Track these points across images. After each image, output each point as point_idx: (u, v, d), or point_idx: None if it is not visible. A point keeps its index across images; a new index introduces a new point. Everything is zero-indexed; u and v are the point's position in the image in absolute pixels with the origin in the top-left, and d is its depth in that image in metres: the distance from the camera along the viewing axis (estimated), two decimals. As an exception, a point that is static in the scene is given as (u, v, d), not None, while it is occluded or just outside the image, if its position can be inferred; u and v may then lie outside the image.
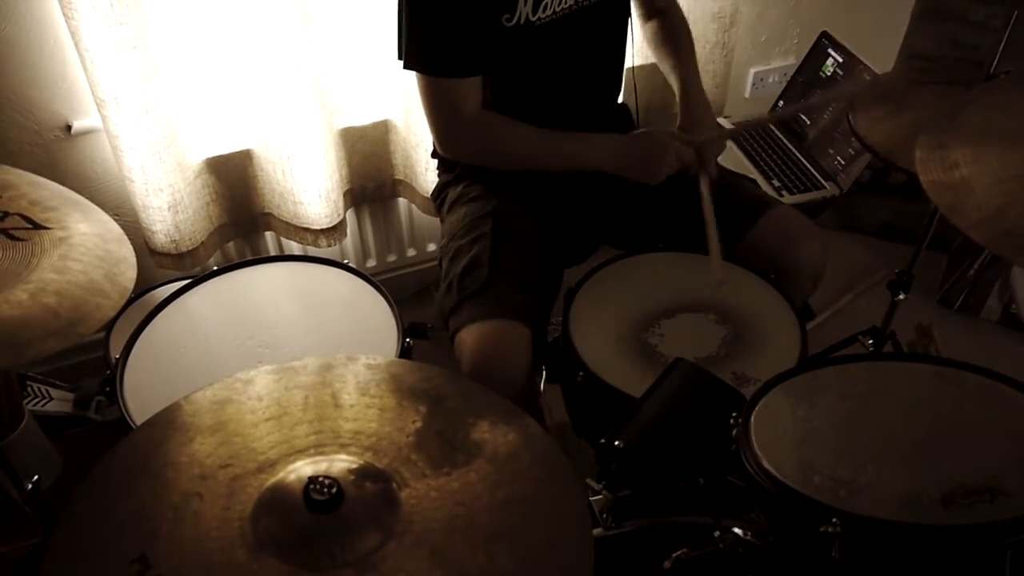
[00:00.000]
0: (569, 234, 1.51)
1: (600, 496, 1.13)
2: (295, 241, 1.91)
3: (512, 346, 1.29)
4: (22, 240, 1.13)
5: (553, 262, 1.46)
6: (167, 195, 1.69)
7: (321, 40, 1.69)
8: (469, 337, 1.30)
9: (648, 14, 1.59)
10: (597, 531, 1.12)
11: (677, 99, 1.52)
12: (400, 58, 1.36)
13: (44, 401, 1.72)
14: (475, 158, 1.48)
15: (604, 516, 1.13)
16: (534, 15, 1.33)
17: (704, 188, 1.40)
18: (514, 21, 1.32)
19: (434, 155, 1.61)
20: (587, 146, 1.41)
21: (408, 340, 1.29)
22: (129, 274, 1.15)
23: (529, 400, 1.37)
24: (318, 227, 1.86)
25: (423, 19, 1.31)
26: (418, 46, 1.33)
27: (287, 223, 1.88)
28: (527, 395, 1.34)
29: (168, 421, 0.95)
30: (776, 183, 2.02)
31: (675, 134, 1.42)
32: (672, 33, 1.57)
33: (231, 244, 1.93)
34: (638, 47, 1.64)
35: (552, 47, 1.38)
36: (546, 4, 1.33)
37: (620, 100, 1.64)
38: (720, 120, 2.19)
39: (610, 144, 1.42)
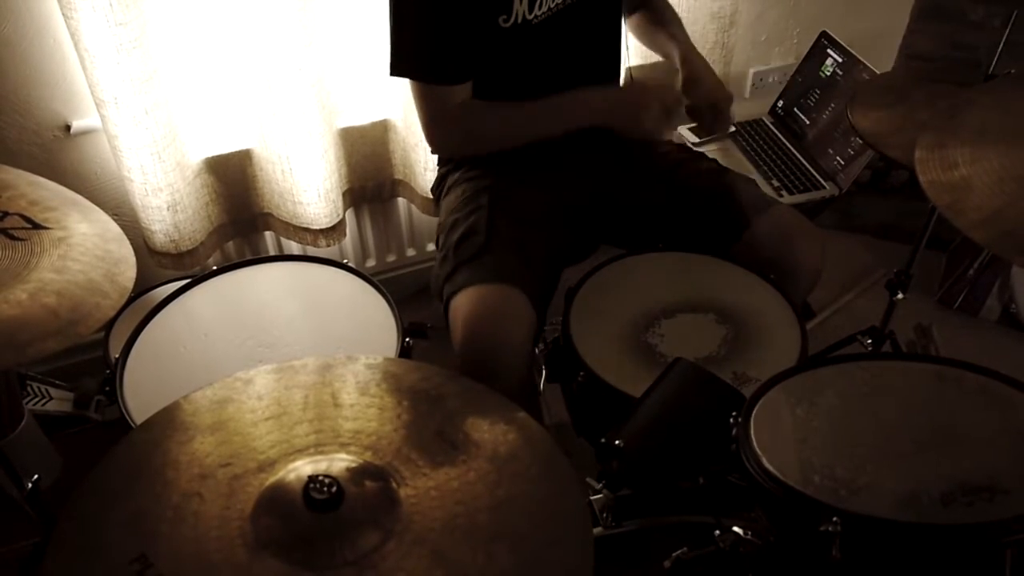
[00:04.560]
0: (569, 233, 1.50)
1: (600, 495, 1.13)
2: (295, 241, 1.91)
3: (510, 313, 1.25)
4: (22, 240, 1.13)
5: (551, 249, 1.43)
6: (166, 195, 1.69)
7: (321, 40, 1.69)
8: (463, 302, 1.27)
9: (631, 7, 1.59)
10: (597, 530, 1.12)
11: (677, 62, 1.52)
12: (391, 68, 1.36)
13: (44, 401, 1.72)
14: (464, 147, 1.49)
15: (604, 515, 1.13)
16: (530, 13, 1.33)
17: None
18: (511, 21, 1.32)
19: (434, 151, 1.61)
20: (572, 98, 1.39)
21: (408, 340, 1.29)
22: (129, 274, 1.15)
23: (527, 389, 1.34)
24: (317, 227, 1.86)
25: (414, 25, 1.30)
26: (409, 53, 1.33)
27: (286, 223, 1.88)
28: (525, 380, 1.30)
29: (168, 421, 0.95)
30: (775, 183, 2.01)
31: (664, 86, 1.43)
32: (659, 16, 1.57)
33: (230, 244, 1.93)
34: (635, 47, 1.65)
35: (548, 44, 1.38)
36: (541, 1, 1.33)
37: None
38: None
39: (596, 93, 1.41)
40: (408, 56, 1.34)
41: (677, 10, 1.63)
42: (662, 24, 1.56)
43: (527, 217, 1.41)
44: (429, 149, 1.62)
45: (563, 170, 1.49)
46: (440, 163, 1.61)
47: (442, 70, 1.33)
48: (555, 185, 1.48)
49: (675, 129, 1.40)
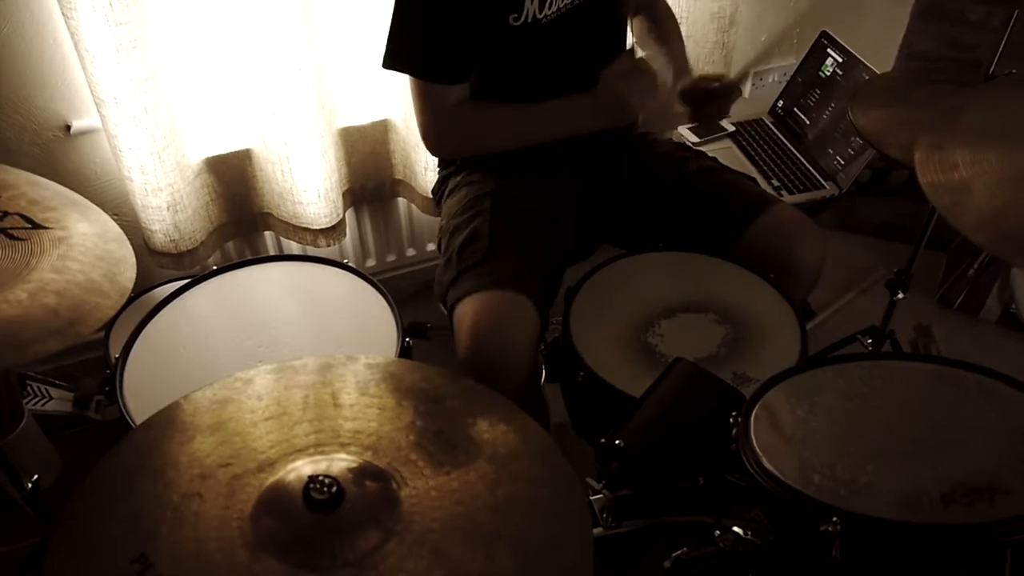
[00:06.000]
0: (570, 232, 1.50)
1: (600, 496, 1.13)
2: (294, 241, 1.91)
3: (515, 318, 1.26)
4: (22, 240, 1.13)
5: (554, 252, 1.43)
6: (166, 195, 1.69)
7: (321, 40, 1.69)
8: (468, 308, 1.27)
9: (634, 8, 1.59)
10: (597, 531, 1.12)
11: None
12: (384, 60, 1.35)
13: (44, 401, 1.72)
14: (459, 148, 1.48)
15: (604, 516, 1.13)
16: (540, 12, 1.33)
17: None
18: (521, 20, 1.32)
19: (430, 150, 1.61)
20: (564, 104, 1.38)
21: (408, 340, 1.29)
22: (128, 274, 1.15)
23: (532, 386, 1.34)
24: (317, 227, 1.86)
25: (418, 20, 1.30)
26: (408, 47, 1.32)
27: (286, 223, 1.88)
28: (530, 380, 1.31)
29: (168, 421, 0.95)
30: (775, 183, 2.02)
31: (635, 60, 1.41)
32: (659, 24, 1.57)
33: (230, 244, 1.93)
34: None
35: (557, 43, 1.38)
36: (551, 0, 1.33)
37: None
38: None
39: (583, 97, 1.38)
40: (407, 51, 1.33)
41: (676, 10, 1.63)
42: (660, 40, 1.56)
43: (529, 221, 1.41)
44: (429, 149, 1.62)
45: (564, 171, 1.49)
46: (441, 165, 1.61)
47: (441, 68, 1.33)
48: (556, 187, 1.48)
49: (670, 102, 1.39)
